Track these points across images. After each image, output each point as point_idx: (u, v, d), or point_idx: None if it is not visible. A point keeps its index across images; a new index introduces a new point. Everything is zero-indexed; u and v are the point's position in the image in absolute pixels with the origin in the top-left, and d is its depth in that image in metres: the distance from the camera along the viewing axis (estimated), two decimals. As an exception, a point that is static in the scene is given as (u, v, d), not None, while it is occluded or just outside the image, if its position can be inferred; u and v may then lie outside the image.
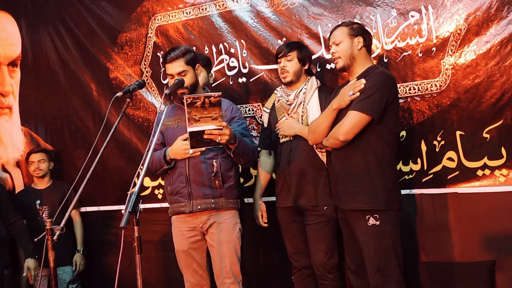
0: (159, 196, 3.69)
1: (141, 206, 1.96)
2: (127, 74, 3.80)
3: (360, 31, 2.64)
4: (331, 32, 2.72)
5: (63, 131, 4.06)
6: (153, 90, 3.71)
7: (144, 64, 3.73)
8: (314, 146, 2.82)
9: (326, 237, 2.86)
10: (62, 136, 4.07)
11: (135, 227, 1.82)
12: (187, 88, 2.70)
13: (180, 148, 2.64)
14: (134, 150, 3.77)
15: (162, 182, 3.65)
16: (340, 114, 2.58)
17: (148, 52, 3.71)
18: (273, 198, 3.10)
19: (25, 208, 3.78)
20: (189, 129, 2.35)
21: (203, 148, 2.57)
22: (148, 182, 3.74)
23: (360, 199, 2.51)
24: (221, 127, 2.38)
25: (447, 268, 2.89)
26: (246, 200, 3.21)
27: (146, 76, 3.72)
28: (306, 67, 2.95)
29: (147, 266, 3.75)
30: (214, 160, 2.71)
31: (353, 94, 2.50)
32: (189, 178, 2.72)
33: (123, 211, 1.80)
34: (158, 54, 3.66)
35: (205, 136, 2.37)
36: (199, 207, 2.72)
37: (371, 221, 2.48)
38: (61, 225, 1.92)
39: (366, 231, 2.50)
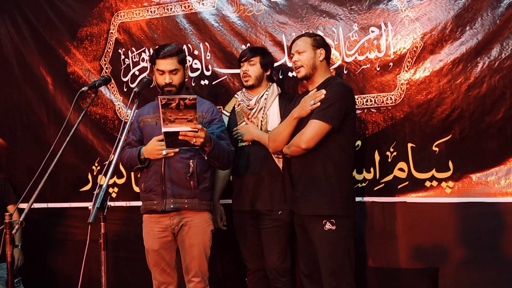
0: (113, 195, 3.64)
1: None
2: (85, 69, 3.72)
3: (322, 44, 2.76)
4: (294, 41, 2.80)
5: (15, 124, 3.93)
6: (112, 87, 3.66)
7: (104, 60, 3.68)
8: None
9: (280, 241, 2.92)
10: (14, 129, 3.93)
11: (102, 223, 1.80)
12: (174, 86, 2.71)
13: (153, 148, 2.61)
14: (90, 147, 3.71)
15: (118, 181, 3.60)
16: (300, 123, 2.66)
17: (109, 48, 3.66)
18: (229, 201, 3.14)
19: None
20: (164, 129, 2.35)
21: (177, 150, 2.57)
22: (102, 180, 3.66)
23: (319, 205, 2.59)
24: (196, 129, 2.39)
25: (393, 274, 3.01)
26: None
27: (106, 72, 3.67)
28: (268, 73, 3.01)
29: (97, 265, 3.68)
30: (191, 161, 2.70)
31: (314, 104, 2.59)
32: (164, 177, 2.69)
33: (90, 207, 1.78)
34: (119, 51, 3.62)
35: (180, 137, 2.38)
36: (172, 206, 2.69)
37: (328, 225, 2.56)
38: (21, 219, 1.87)
39: (323, 236, 2.58)
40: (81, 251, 3.70)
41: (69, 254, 3.84)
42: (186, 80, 2.85)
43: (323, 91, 2.60)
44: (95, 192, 1.81)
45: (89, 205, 3.69)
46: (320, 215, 2.58)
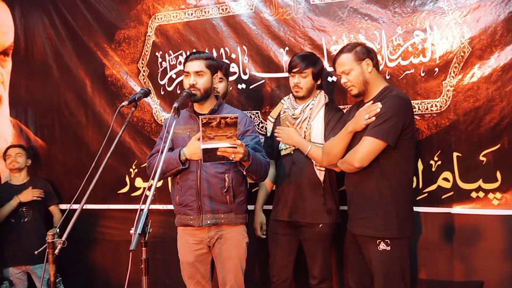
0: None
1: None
2: (123, 71, 3.73)
3: (366, 53, 2.56)
4: (335, 60, 2.63)
5: (53, 125, 3.98)
6: (150, 90, 3.65)
7: (142, 63, 3.67)
8: (314, 163, 2.83)
9: (323, 253, 2.88)
10: (53, 130, 3.99)
11: (143, 248, 1.79)
12: (199, 90, 2.63)
13: (199, 148, 2.49)
14: (127, 149, 3.72)
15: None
16: (356, 136, 2.55)
17: (147, 51, 3.65)
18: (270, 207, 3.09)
19: (1, 203, 3.73)
20: (203, 146, 2.33)
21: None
22: (139, 183, 3.70)
23: (371, 226, 2.49)
24: (236, 146, 2.35)
25: (435, 286, 2.93)
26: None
27: (143, 75, 3.66)
28: (319, 82, 2.92)
29: (135, 267, 3.73)
30: (226, 175, 2.66)
31: (369, 118, 2.46)
32: (200, 192, 2.66)
33: (131, 232, 1.76)
34: (157, 53, 3.61)
35: (218, 153, 2.35)
36: (208, 221, 2.67)
37: (382, 246, 2.46)
38: (63, 238, 1.88)
39: (377, 256, 2.48)
40: (118, 251, 3.80)
41: (107, 254, 3.91)
42: (215, 89, 2.80)
43: (379, 105, 2.45)
44: (135, 218, 1.79)
45: (126, 207, 3.72)
46: (374, 236, 2.48)
